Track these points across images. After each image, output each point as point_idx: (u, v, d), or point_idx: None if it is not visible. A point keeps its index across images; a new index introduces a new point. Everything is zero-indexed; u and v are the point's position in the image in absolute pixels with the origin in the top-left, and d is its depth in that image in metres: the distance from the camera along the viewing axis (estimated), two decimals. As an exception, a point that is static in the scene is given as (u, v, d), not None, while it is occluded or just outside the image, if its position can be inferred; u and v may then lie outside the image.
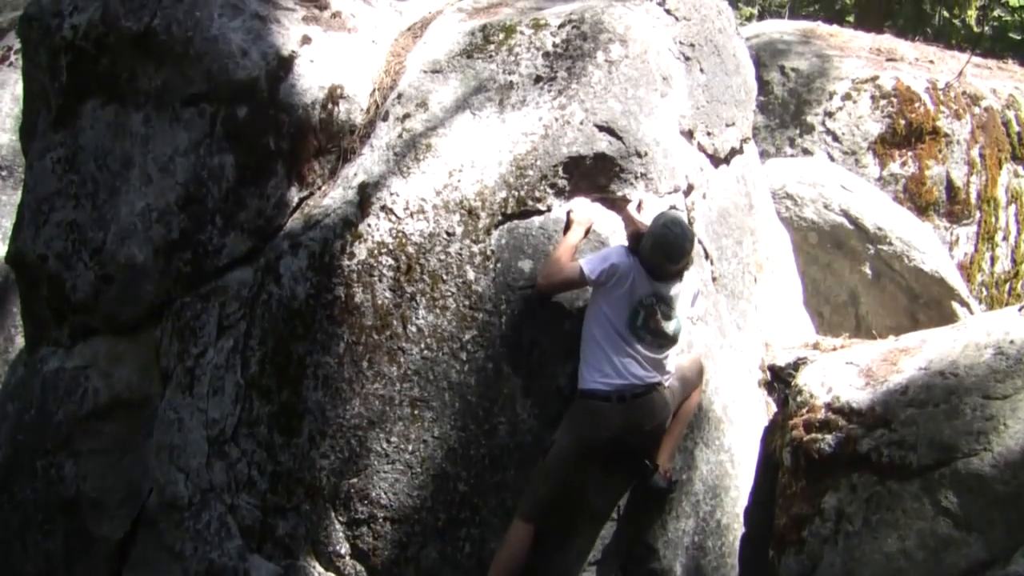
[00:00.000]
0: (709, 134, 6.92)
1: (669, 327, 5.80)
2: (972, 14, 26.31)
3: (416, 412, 5.91)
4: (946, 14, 26.06)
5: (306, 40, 6.70)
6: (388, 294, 5.97)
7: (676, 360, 5.96)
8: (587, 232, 6.07)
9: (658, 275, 5.76)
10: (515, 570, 5.76)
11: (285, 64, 6.56)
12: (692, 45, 6.89)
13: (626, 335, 5.71)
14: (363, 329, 5.96)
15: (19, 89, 9.02)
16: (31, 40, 7.42)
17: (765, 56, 12.40)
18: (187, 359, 6.44)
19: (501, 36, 6.60)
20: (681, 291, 5.88)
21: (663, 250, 5.70)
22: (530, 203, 6.08)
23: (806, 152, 11.61)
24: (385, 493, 5.91)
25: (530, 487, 5.82)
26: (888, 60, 12.58)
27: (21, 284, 7.47)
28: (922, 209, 11.26)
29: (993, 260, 11.91)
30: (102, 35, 6.85)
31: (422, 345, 5.93)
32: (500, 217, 6.06)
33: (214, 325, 6.40)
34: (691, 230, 5.96)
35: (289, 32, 6.70)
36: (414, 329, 5.94)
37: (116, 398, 6.82)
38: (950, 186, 11.51)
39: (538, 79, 6.36)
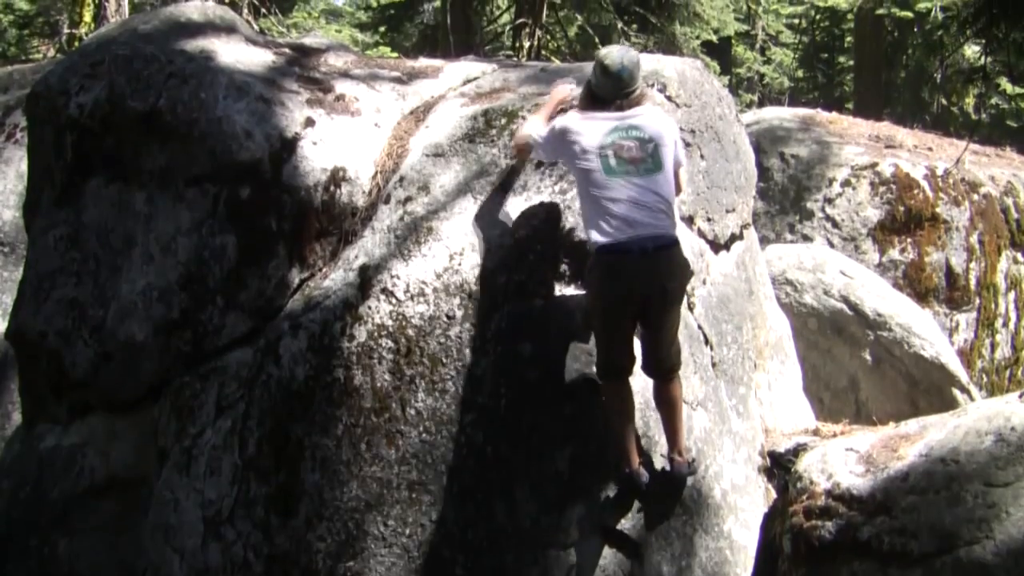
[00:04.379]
0: (709, 220, 6.95)
1: (648, 148, 5.79)
2: (970, 102, 26.61)
3: (414, 495, 5.87)
4: (944, 101, 26.33)
5: (309, 123, 6.76)
6: (387, 376, 5.97)
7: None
8: (559, 104, 6.35)
9: (613, 104, 5.88)
10: (626, 419, 5.90)
11: (288, 146, 6.62)
12: (693, 131, 6.94)
13: (612, 183, 5.71)
14: (362, 411, 5.95)
15: (24, 166, 9.07)
16: (37, 117, 7.49)
17: (765, 142, 12.47)
18: (185, 439, 6.41)
19: (503, 121, 6.66)
20: (649, 122, 5.89)
21: (607, 70, 5.89)
22: (531, 287, 6.09)
23: (806, 238, 11.64)
24: (381, 577, 5.87)
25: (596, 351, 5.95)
26: (887, 147, 12.65)
27: (20, 360, 7.46)
28: (922, 295, 11.26)
29: (993, 346, 11.89)
30: (108, 114, 6.91)
31: (421, 428, 5.91)
32: (501, 301, 6.07)
33: (213, 405, 6.38)
34: (633, 50, 6.11)
35: (293, 114, 6.76)
36: (413, 412, 5.93)
37: (112, 476, 6.80)
38: (949, 272, 11.53)
39: (539, 164, 6.41)
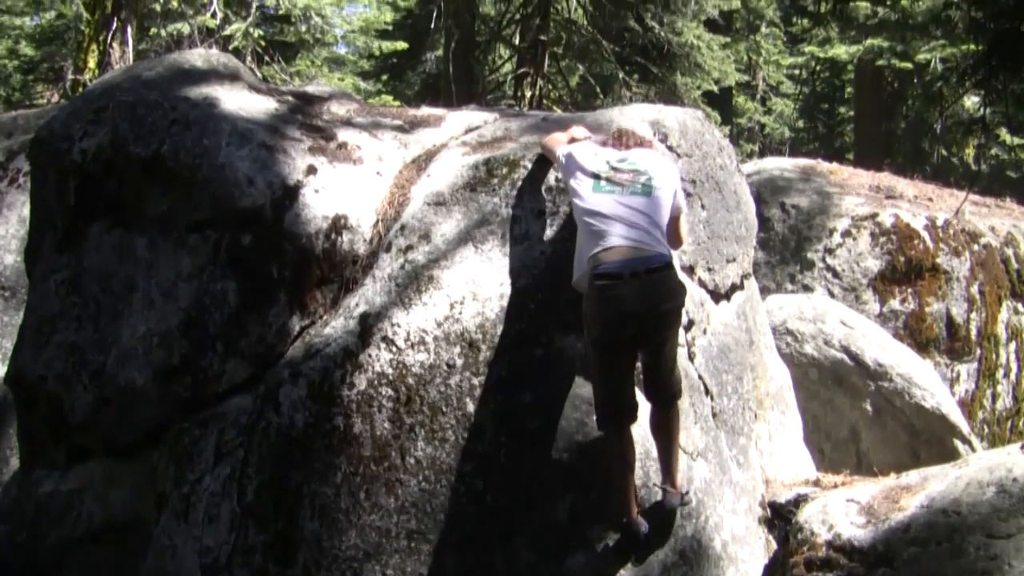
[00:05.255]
0: (710, 270, 6.96)
1: (640, 178, 5.98)
2: (970, 152, 26.73)
3: (413, 545, 5.84)
4: (944, 152, 26.44)
5: (312, 170, 6.78)
6: (387, 425, 5.96)
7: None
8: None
9: (622, 144, 6.29)
10: (627, 469, 5.86)
11: (290, 193, 6.64)
12: (694, 182, 6.96)
13: (597, 198, 5.90)
14: (361, 460, 5.93)
15: (26, 211, 9.10)
16: (40, 162, 7.51)
17: (766, 193, 12.51)
18: (183, 485, 6.38)
19: (504, 170, 6.68)
20: (648, 159, 6.14)
21: None
22: (532, 336, 6.10)
23: (806, 288, 11.65)
24: (380, 627, 5.83)
25: (594, 399, 5.92)
26: (887, 197, 12.68)
27: (19, 404, 7.44)
28: (922, 346, 11.25)
29: (994, 397, 11.87)
30: (111, 159, 6.93)
31: (420, 477, 5.89)
32: (501, 349, 6.07)
33: (212, 451, 6.36)
34: None
35: (295, 162, 6.78)
36: (412, 461, 5.91)
37: (110, 522, 6.76)
38: (950, 323, 11.53)
39: (540, 213, 6.44)
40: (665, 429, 6.01)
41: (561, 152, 6.27)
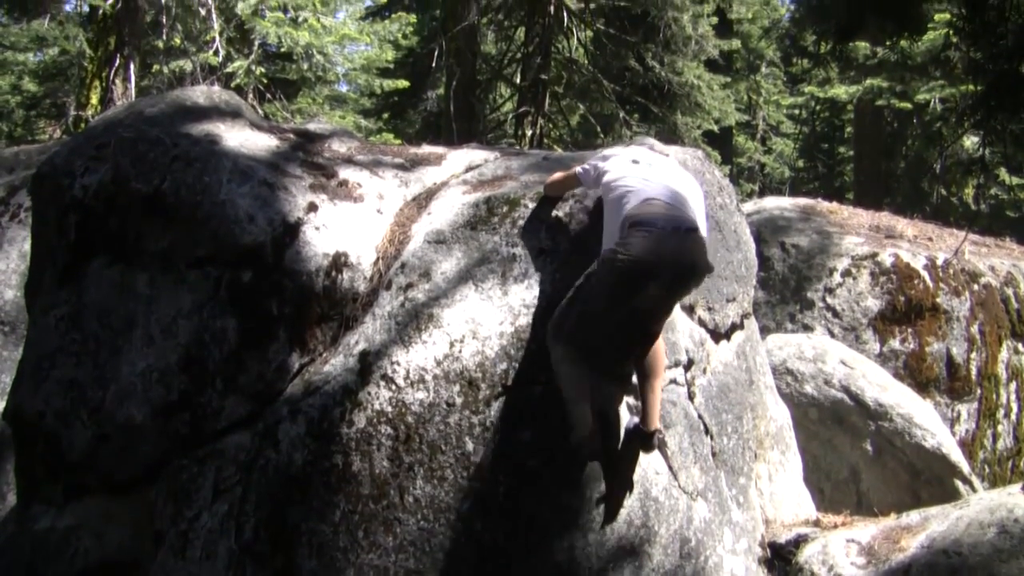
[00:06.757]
0: (710, 309, 6.96)
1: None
2: (969, 192, 26.77)
3: (411, 584, 5.83)
4: (944, 192, 26.49)
5: (312, 208, 6.79)
6: (386, 463, 5.94)
7: None
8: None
9: None
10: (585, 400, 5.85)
11: (291, 231, 6.65)
12: (694, 220, 6.98)
13: (632, 172, 6.03)
14: (360, 498, 5.91)
15: (27, 246, 9.11)
16: (42, 198, 7.52)
17: (766, 232, 12.55)
18: (181, 522, 6.36)
19: (505, 208, 6.69)
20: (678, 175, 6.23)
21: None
22: (531, 374, 6.09)
23: (806, 328, 11.66)
24: (377, 667, 5.79)
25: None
26: (887, 237, 12.72)
27: (17, 440, 7.41)
28: (923, 386, 11.24)
29: (995, 437, 11.84)
30: (112, 195, 6.94)
31: (419, 516, 5.87)
32: (500, 388, 6.06)
33: (210, 488, 6.34)
34: None
35: (296, 199, 6.80)
36: (411, 499, 5.89)
37: (107, 559, 6.72)
38: (950, 363, 11.52)
39: (541, 251, 6.44)
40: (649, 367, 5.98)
41: (580, 167, 6.36)
